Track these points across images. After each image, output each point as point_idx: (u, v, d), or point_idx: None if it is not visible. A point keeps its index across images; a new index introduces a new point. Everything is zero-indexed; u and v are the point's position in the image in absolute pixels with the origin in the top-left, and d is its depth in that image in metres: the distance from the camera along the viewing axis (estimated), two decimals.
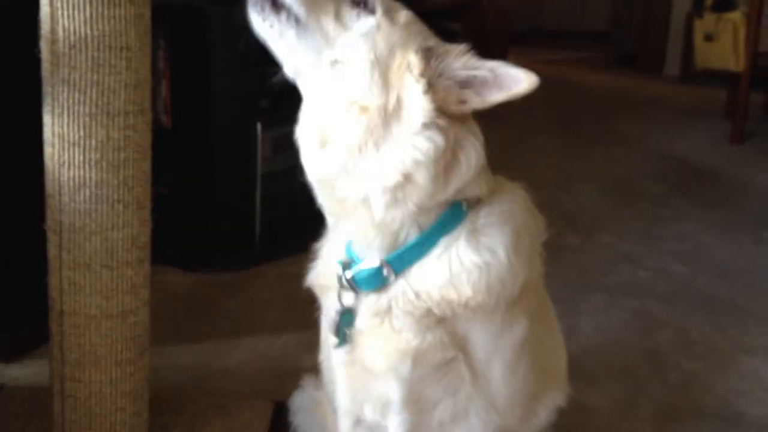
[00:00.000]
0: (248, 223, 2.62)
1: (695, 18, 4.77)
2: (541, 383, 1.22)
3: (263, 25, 1.05)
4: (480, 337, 1.09)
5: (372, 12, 1.03)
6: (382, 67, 1.01)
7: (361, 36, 1.02)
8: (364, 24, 1.03)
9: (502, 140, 4.24)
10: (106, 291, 1.40)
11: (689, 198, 3.55)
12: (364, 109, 0.99)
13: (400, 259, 1.05)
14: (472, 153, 1.04)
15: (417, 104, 0.99)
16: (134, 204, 1.38)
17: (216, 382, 1.95)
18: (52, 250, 1.39)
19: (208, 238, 2.61)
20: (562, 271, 2.62)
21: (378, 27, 1.02)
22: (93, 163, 1.33)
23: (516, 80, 0.99)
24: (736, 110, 4.52)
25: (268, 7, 1.04)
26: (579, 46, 7.89)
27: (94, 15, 1.27)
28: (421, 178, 1.00)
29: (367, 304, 1.08)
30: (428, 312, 1.05)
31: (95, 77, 1.30)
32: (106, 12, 1.27)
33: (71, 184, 1.34)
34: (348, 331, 1.10)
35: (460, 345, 1.08)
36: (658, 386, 2.03)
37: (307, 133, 1.05)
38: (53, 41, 1.28)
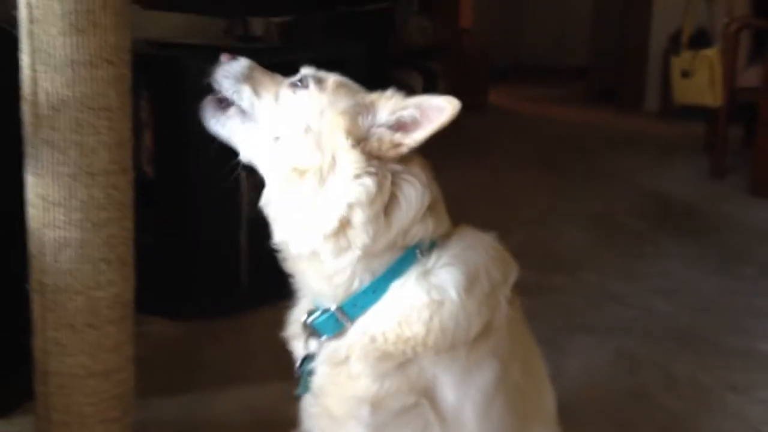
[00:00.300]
0: (234, 270, 2.62)
1: (672, 55, 4.84)
2: (523, 426, 1.22)
3: (217, 126, 1.18)
4: (446, 379, 1.11)
5: (306, 87, 1.13)
6: (315, 132, 1.10)
7: (294, 109, 1.12)
8: (297, 99, 1.13)
9: (482, 179, 4.27)
10: (90, 350, 1.40)
11: (671, 234, 3.58)
12: (302, 172, 1.08)
13: (353, 305, 1.10)
14: (412, 193, 1.10)
15: (347, 159, 1.07)
16: (117, 262, 1.39)
17: None
18: (36, 311, 1.39)
19: (194, 286, 2.60)
20: (546, 311, 2.63)
21: (309, 98, 1.12)
22: (76, 222, 1.34)
23: (439, 109, 1.07)
24: (715, 145, 4.58)
25: (218, 109, 1.18)
26: (558, 83, 7.97)
27: (74, 77, 1.29)
28: (358, 220, 1.06)
29: (327, 352, 1.12)
30: (386, 355, 1.08)
31: (77, 138, 1.32)
32: (86, 74, 1.29)
33: (54, 244, 1.34)
34: (310, 379, 1.14)
35: (425, 390, 1.10)
36: (644, 428, 2.03)
37: (267, 206, 1.15)
38: (34, 103, 1.30)
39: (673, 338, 2.54)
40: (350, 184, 1.06)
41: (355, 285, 1.10)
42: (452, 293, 1.09)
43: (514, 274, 1.19)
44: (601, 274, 3.07)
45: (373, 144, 1.08)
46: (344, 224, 1.06)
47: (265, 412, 2.03)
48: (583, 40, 7.89)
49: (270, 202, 1.14)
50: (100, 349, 1.40)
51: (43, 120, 1.30)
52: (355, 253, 1.08)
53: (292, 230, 1.10)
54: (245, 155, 1.18)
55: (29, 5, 1.28)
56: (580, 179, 4.55)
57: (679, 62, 4.61)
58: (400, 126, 1.09)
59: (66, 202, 1.33)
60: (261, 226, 2.83)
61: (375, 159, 1.07)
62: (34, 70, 1.29)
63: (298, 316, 1.20)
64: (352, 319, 1.11)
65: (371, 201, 1.06)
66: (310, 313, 1.14)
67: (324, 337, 1.12)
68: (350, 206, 1.06)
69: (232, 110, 1.17)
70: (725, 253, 3.37)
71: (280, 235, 1.12)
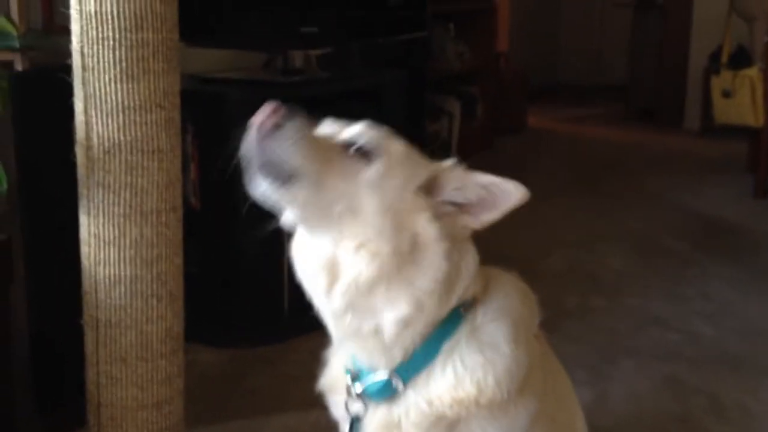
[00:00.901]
0: (277, 298, 2.66)
1: (712, 74, 4.81)
2: None
3: (272, 194, 1.06)
4: (492, 430, 1.11)
5: (374, 159, 1.07)
6: (393, 213, 1.05)
7: (369, 187, 1.05)
8: (369, 174, 1.06)
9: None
10: (141, 383, 1.45)
11: (713, 255, 3.54)
12: (375, 253, 1.03)
13: (407, 370, 1.09)
14: (471, 261, 1.10)
15: (430, 241, 1.04)
16: (168, 297, 1.44)
17: None
18: (89, 345, 1.44)
19: (237, 315, 2.65)
20: (589, 335, 2.63)
21: (384, 173, 1.06)
22: (128, 260, 1.39)
23: (507, 194, 1.07)
24: (758, 164, 4.52)
25: (279, 181, 1.05)
26: (597, 102, 7.94)
27: (126, 122, 1.34)
28: (432, 303, 1.05)
29: (377, 417, 1.11)
30: (440, 418, 1.08)
31: (128, 179, 1.37)
32: (138, 118, 1.35)
33: (107, 281, 1.40)
34: None
35: None
36: None
37: (313, 272, 1.08)
38: (88, 147, 1.36)
39: (719, 362, 2.52)
40: (431, 268, 1.04)
41: (409, 351, 1.08)
42: (505, 348, 1.09)
43: (538, 309, 1.20)
44: (643, 296, 3.05)
45: (446, 221, 1.06)
46: (419, 309, 1.05)
47: None
48: (621, 58, 7.86)
49: (319, 271, 1.07)
50: (151, 381, 1.44)
51: (96, 163, 1.36)
52: (419, 330, 1.07)
53: (354, 307, 1.05)
54: (295, 220, 1.12)
55: (82, 54, 1.34)
56: (621, 200, 4.53)
57: (719, 82, 4.58)
58: (464, 204, 1.08)
59: (118, 240, 1.38)
60: None
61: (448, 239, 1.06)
62: (87, 115, 1.35)
63: (336, 373, 1.19)
64: (405, 382, 1.09)
65: (446, 281, 1.05)
66: (354, 376, 1.12)
67: (372, 401, 1.11)
68: (430, 293, 1.05)
69: (293, 182, 1.04)
70: None
71: (337, 306, 1.05)
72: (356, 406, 1.12)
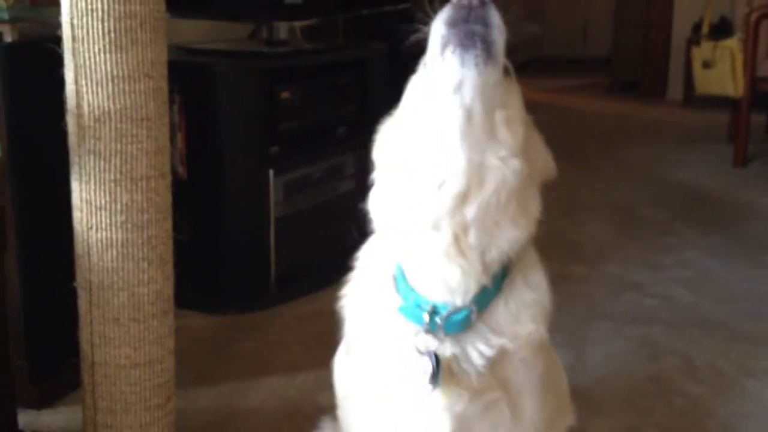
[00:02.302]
0: (263, 265, 2.72)
1: (693, 45, 4.87)
2: (554, 411, 1.30)
3: (468, 69, 1.02)
4: (521, 374, 1.16)
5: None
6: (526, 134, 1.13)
7: (520, 103, 1.13)
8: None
9: None
10: (134, 342, 1.50)
11: (692, 224, 3.62)
12: (517, 166, 1.07)
13: (479, 302, 1.10)
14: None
15: (538, 171, 1.15)
16: (158, 261, 1.49)
17: (237, 423, 2.04)
18: (82, 307, 1.50)
19: (225, 281, 2.71)
20: (568, 301, 2.70)
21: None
22: (119, 225, 1.44)
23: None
24: (738, 134, 4.60)
25: (484, 54, 1.03)
26: (581, 74, 7.99)
27: (116, 91, 1.39)
28: (530, 232, 1.12)
29: (448, 351, 1.11)
30: (502, 352, 1.12)
31: (118, 146, 1.41)
32: (127, 87, 1.39)
33: (99, 245, 1.45)
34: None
35: (504, 384, 1.15)
36: (663, 412, 2.10)
37: (448, 177, 1.04)
38: (79, 115, 1.40)
39: (693, 326, 2.60)
40: (535, 198, 1.13)
41: (491, 279, 1.10)
42: (547, 293, 1.16)
43: None
44: (622, 264, 3.13)
45: None
46: (528, 232, 1.11)
47: (296, 400, 2.13)
48: (605, 30, 7.89)
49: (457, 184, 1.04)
50: (144, 341, 1.50)
51: (86, 131, 1.40)
52: (511, 255, 1.11)
53: (485, 222, 1.05)
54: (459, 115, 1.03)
55: (72, 25, 1.38)
56: (603, 170, 4.59)
57: (699, 53, 4.64)
58: None
59: (109, 205, 1.43)
60: (288, 223, 2.94)
61: None
62: (77, 84, 1.40)
63: (388, 321, 1.15)
64: (479, 312, 1.10)
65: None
66: (431, 313, 1.10)
67: (447, 335, 1.10)
68: (534, 219, 1.12)
69: (490, 58, 1.02)
70: (746, 241, 3.41)
71: (472, 218, 1.04)
72: (431, 342, 1.10)
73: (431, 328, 1.10)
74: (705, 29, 4.77)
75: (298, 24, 2.91)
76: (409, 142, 1.09)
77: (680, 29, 6.40)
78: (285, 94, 2.70)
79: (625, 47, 7.15)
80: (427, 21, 1.06)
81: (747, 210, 3.87)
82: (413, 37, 1.11)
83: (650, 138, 5.47)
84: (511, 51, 1.08)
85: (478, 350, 1.11)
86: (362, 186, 2.95)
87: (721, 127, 5.28)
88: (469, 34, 1.01)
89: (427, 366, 1.10)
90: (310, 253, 2.87)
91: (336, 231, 2.90)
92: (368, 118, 3.09)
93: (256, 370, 2.31)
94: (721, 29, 5.02)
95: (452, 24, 1.02)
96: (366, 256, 1.25)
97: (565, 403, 1.39)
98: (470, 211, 1.04)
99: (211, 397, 2.16)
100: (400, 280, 1.14)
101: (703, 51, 4.60)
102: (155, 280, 1.50)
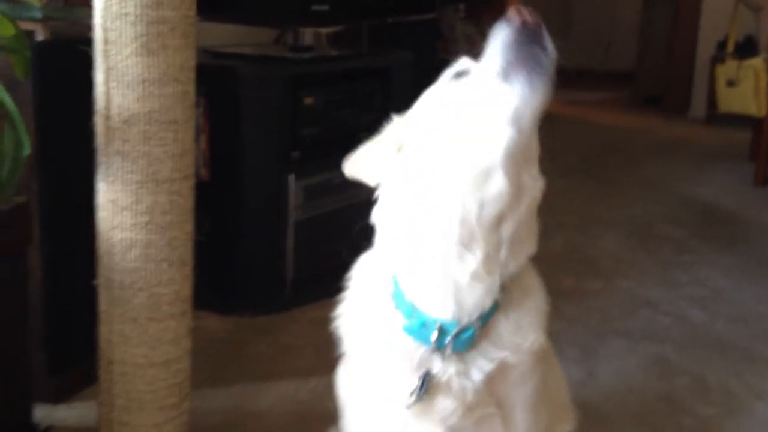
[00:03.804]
0: (280, 269, 2.74)
1: (717, 63, 4.85)
2: (551, 418, 1.31)
3: (529, 91, 1.02)
4: (517, 389, 1.17)
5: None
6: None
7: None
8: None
9: None
10: (151, 342, 1.53)
11: (710, 242, 3.61)
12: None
13: (485, 317, 1.12)
14: None
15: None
16: (178, 262, 1.51)
17: (248, 425, 2.06)
18: (103, 305, 1.52)
19: (242, 283, 2.74)
20: (582, 316, 2.70)
21: None
22: (142, 225, 1.47)
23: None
24: (759, 153, 4.58)
25: (543, 76, 1.04)
26: (605, 87, 7.97)
27: (144, 94, 1.41)
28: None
29: (451, 369, 1.13)
30: (503, 365, 1.13)
31: (145, 149, 1.44)
32: (155, 91, 1.42)
33: (122, 245, 1.47)
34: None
35: (499, 400, 1.16)
36: (672, 431, 2.10)
37: (497, 197, 1.05)
38: (107, 117, 1.43)
39: (706, 346, 2.59)
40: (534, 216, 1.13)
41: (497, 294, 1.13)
42: (540, 295, 1.18)
43: None
44: (637, 280, 3.13)
45: None
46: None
47: (307, 404, 2.15)
48: (630, 44, 7.87)
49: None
50: (161, 341, 1.53)
51: (114, 132, 1.43)
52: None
53: (514, 239, 1.08)
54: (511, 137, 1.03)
55: (104, 28, 1.41)
56: (622, 185, 4.59)
57: (724, 71, 4.62)
58: None
59: (133, 206, 1.46)
60: (307, 228, 2.96)
61: None
62: (107, 86, 1.42)
63: (392, 341, 1.15)
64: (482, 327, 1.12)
65: None
66: (440, 332, 1.10)
67: (453, 353, 1.12)
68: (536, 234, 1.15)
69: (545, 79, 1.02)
70: (763, 261, 3.40)
71: (507, 236, 1.07)
72: (436, 362, 1.12)
73: (439, 347, 1.11)
74: (730, 47, 4.75)
75: (323, 30, 2.93)
76: (435, 160, 1.07)
77: (705, 46, 6.37)
78: (308, 100, 2.72)
79: (649, 62, 7.14)
80: (471, 40, 1.07)
81: (765, 230, 3.85)
82: (459, 57, 1.11)
83: (671, 154, 5.45)
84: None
85: (478, 366, 1.13)
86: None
87: (742, 146, 5.26)
88: (532, 57, 1.01)
89: (413, 384, 1.12)
90: (328, 258, 2.89)
91: (354, 237, 2.92)
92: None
93: (269, 373, 2.33)
94: (746, 48, 4.99)
95: (514, 46, 1.03)
96: (359, 275, 1.25)
97: (563, 409, 1.40)
98: (507, 230, 1.06)
99: (223, 398, 2.18)
100: (400, 298, 1.14)
101: (727, 69, 4.59)
102: (174, 281, 1.52)
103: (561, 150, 5.27)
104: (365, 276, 1.23)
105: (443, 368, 1.12)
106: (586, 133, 6.01)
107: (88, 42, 1.50)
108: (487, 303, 1.10)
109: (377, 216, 1.16)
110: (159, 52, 1.41)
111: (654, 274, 3.22)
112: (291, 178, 2.67)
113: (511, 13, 1.03)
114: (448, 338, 1.10)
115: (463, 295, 1.09)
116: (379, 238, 1.17)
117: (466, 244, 1.06)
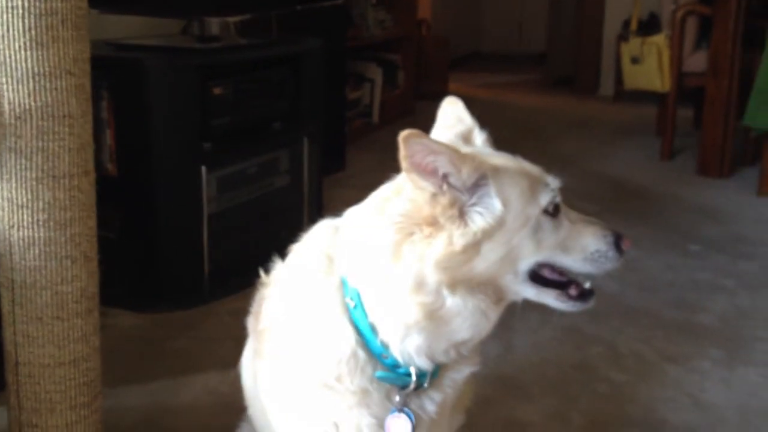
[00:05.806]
0: (196, 263, 2.71)
1: (622, 41, 4.99)
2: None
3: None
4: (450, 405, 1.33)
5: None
6: None
7: None
8: None
9: None
10: (58, 341, 1.49)
11: (620, 215, 3.73)
12: None
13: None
14: None
15: None
16: (82, 258, 1.48)
17: (169, 420, 2.04)
18: (5, 306, 1.48)
19: (158, 279, 2.70)
20: None
21: None
22: (41, 223, 1.43)
23: None
24: (665, 128, 4.74)
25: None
26: (518, 70, 8.12)
27: (37, 88, 1.38)
28: None
29: (432, 401, 1.24)
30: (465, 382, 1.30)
31: (40, 144, 1.40)
32: (48, 85, 1.38)
33: (21, 243, 1.43)
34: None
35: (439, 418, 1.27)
36: (588, 398, 2.17)
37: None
38: None
39: (619, 315, 2.68)
40: None
41: None
42: None
43: None
44: None
45: None
46: None
47: (228, 395, 2.13)
48: (541, 27, 8.03)
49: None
50: (68, 339, 1.49)
51: (7, 128, 1.39)
52: None
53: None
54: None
55: None
56: (537, 163, 4.67)
57: (628, 49, 4.76)
58: None
59: (31, 204, 1.42)
60: (222, 220, 2.92)
61: None
62: None
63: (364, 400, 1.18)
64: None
65: None
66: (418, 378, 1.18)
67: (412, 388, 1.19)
68: None
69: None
70: (672, 231, 3.53)
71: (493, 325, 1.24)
72: (423, 403, 1.22)
73: (419, 386, 1.19)
74: (633, 25, 4.90)
75: (231, 19, 2.90)
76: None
77: (611, 26, 6.56)
78: (217, 90, 2.69)
79: (559, 44, 7.30)
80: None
81: (673, 201, 4.00)
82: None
83: (582, 132, 5.60)
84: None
85: (431, 399, 1.23)
86: (296, 182, 3.00)
87: (649, 122, 5.44)
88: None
89: (406, 424, 1.19)
90: (245, 249, 2.87)
91: (271, 226, 2.91)
92: (302, 113, 3.10)
93: (189, 367, 2.31)
94: (650, 25, 5.16)
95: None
96: (302, 270, 1.23)
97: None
98: (494, 318, 1.26)
99: (142, 395, 2.15)
100: (371, 339, 1.15)
101: (631, 47, 4.72)
102: (79, 278, 1.49)
103: None
104: (310, 273, 1.21)
105: (428, 403, 1.23)
106: (500, 114, 6.11)
107: None
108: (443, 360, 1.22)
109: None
110: (50, 44, 1.38)
111: None
112: (203, 169, 2.64)
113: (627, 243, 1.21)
114: (425, 378, 1.19)
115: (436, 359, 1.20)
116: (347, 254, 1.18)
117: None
